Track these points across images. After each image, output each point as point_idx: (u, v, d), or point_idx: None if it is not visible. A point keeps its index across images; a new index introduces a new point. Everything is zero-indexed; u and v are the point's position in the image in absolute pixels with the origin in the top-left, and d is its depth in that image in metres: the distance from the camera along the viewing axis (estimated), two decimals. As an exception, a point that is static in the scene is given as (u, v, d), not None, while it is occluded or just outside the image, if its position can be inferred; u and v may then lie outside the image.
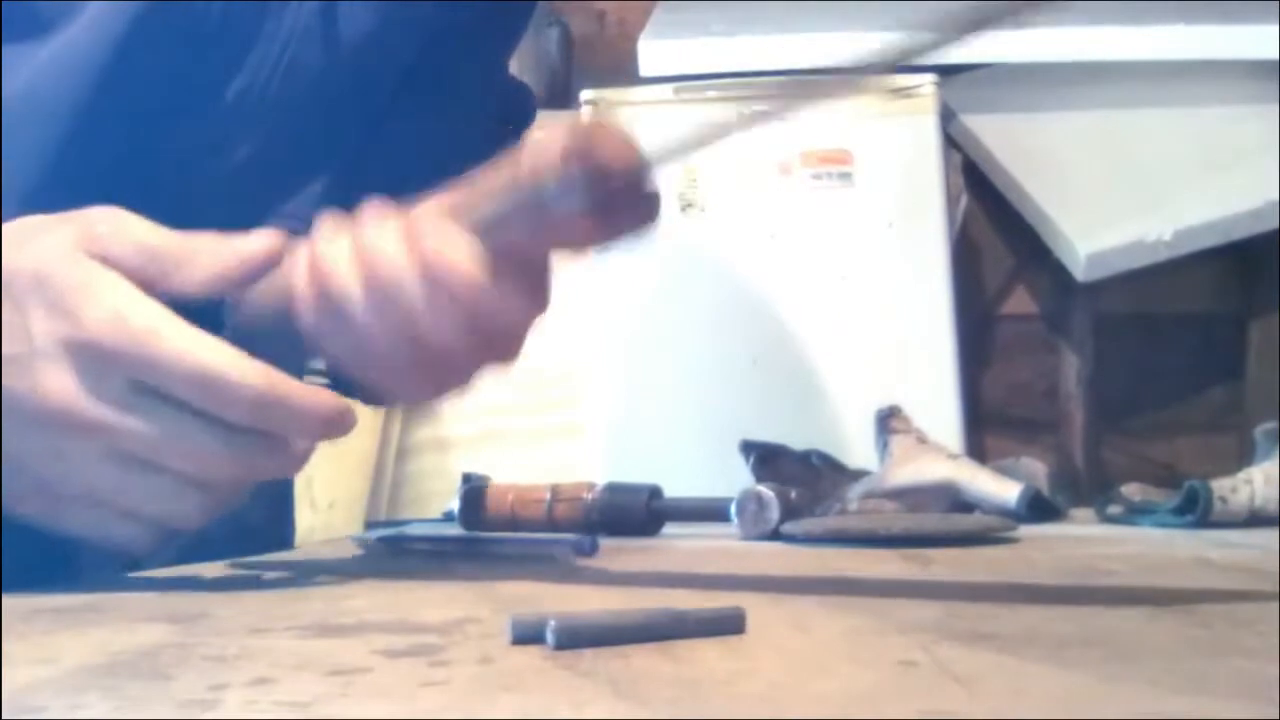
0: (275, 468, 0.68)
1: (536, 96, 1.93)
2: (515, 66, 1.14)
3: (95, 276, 0.64)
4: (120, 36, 0.81)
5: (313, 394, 0.66)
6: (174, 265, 0.67)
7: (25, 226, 0.67)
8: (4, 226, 0.67)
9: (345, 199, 0.97)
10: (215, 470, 0.65)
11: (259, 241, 0.70)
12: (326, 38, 0.90)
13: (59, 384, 0.62)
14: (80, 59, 0.81)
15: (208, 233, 0.69)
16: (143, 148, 0.85)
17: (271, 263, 0.69)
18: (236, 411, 0.64)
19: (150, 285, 0.66)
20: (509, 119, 1.12)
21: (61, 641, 0.50)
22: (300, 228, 0.92)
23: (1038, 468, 1.40)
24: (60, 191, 0.81)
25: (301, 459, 0.69)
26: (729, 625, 0.51)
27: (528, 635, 0.48)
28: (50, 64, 0.80)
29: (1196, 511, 1.15)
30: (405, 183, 1.03)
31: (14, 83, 0.80)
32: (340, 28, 0.90)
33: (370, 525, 1.91)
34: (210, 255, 0.68)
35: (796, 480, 1.16)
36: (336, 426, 0.66)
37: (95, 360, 0.63)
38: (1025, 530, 1.05)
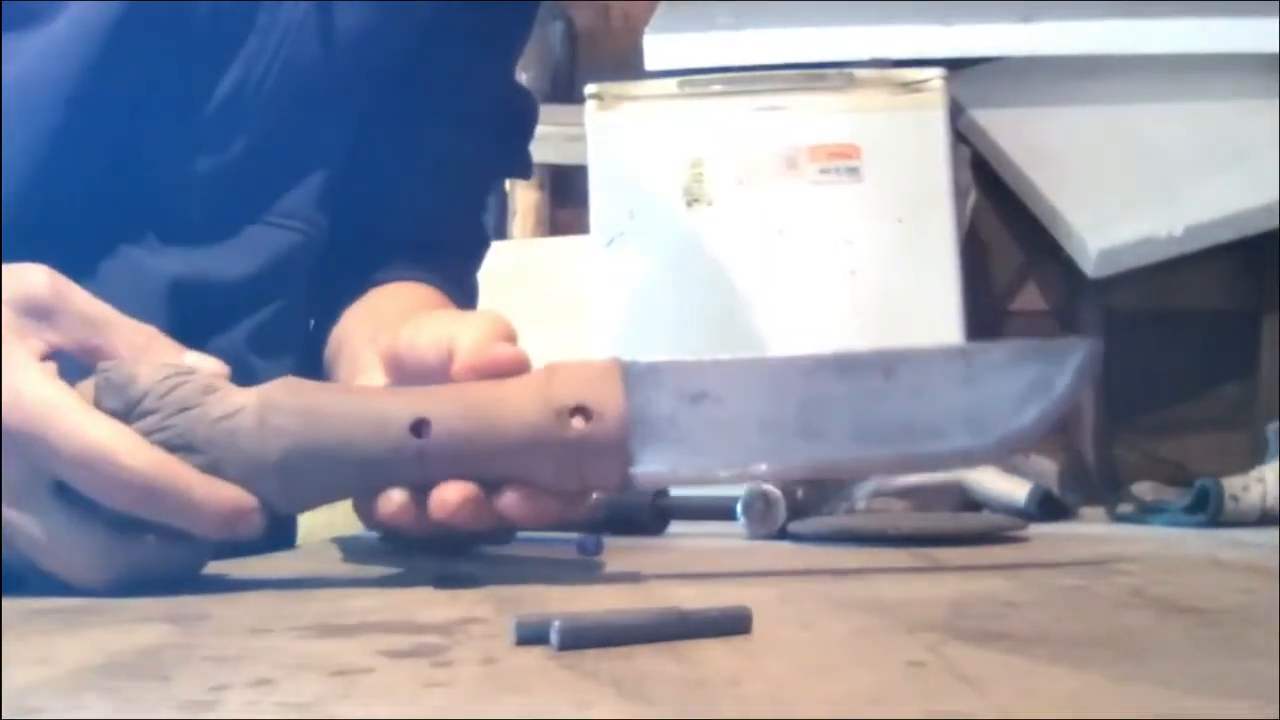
0: (169, 568, 0.66)
1: (540, 92, 1.93)
2: (519, 61, 1.14)
3: (6, 352, 0.63)
4: (108, 29, 0.81)
5: (211, 487, 0.64)
6: (116, 348, 0.66)
7: None
8: None
9: (340, 197, 0.97)
10: (92, 578, 0.63)
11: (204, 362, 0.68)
12: (322, 32, 0.90)
13: None
14: (69, 52, 0.81)
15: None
16: (134, 142, 0.85)
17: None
18: (124, 496, 0.62)
19: (87, 354, 0.65)
20: (510, 123, 1.12)
21: (60, 642, 0.50)
22: (294, 226, 0.93)
23: (1047, 466, 1.40)
24: (51, 188, 0.81)
25: (200, 562, 0.68)
26: (735, 625, 0.51)
27: (532, 635, 0.48)
28: (38, 58, 0.80)
29: (1208, 510, 1.15)
30: (400, 183, 1.04)
31: (4, 76, 0.80)
32: (336, 22, 0.90)
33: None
34: (157, 350, 0.67)
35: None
36: (236, 525, 0.65)
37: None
38: (1035, 529, 1.05)
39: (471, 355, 0.69)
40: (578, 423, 0.66)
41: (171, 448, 0.63)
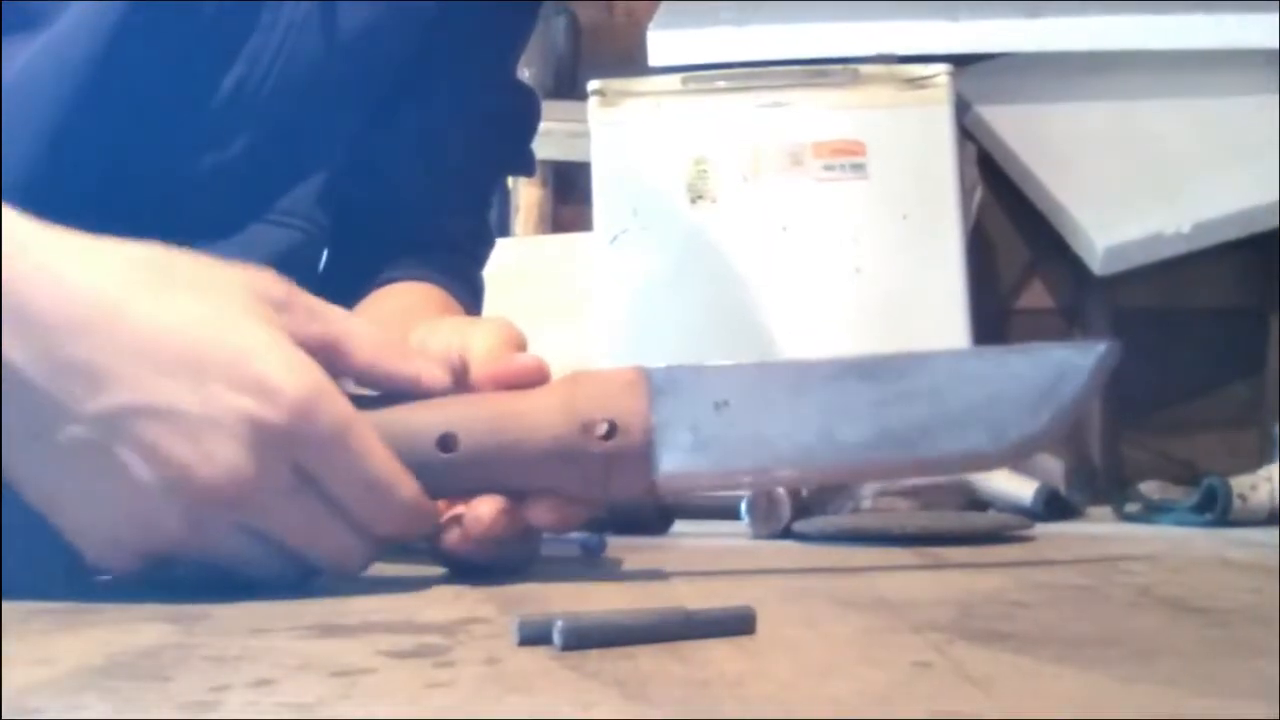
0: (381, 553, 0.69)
1: (543, 88, 1.93)
2: (522, 56, 1.14)
3: (292, 359, 0.63)
4: (112, 27, 0.81)
5: (434, 508, 0.68)
6: (351, 347, 0.68)
7: (185, 273, 0.66)
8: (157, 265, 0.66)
9: (343, 195, 0.97)
10: (346, 566, 0.66)
11: (434, 366, 0.70)
12: (326, 29, 0.90)
13: (230, 457, 0.61)
14: (71, 50, 0.81)
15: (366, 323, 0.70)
16: (136, 140, 0.85)
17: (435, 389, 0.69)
18: (390, 524, 0.65)
19: (320, 348, 0.66)
20: (511, 121, 1.12)
21: (59, 642, 0.50)
22: (295, 224, 0.92)
23: (1054, 465, 1.40)
24: (53, 188, 0.81)
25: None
26: (739, 625, 0.51)
27: (535, 636, 0.48)
28: (41, 56, 0.80)
29: (1216, 509, 1.15)
30: (402, 181, 1.04)
31: (5, 75, 0.79)
32: (340, 20, 0.90)
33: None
34: (393, 357, 0.69)
35: (808, 477, 1.16)
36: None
37: (274, 443, 0.61)
38: (1041, 529, 1.05)
39: (489, 365, 0.71)
40: (603, 437, 0.68)
41: None
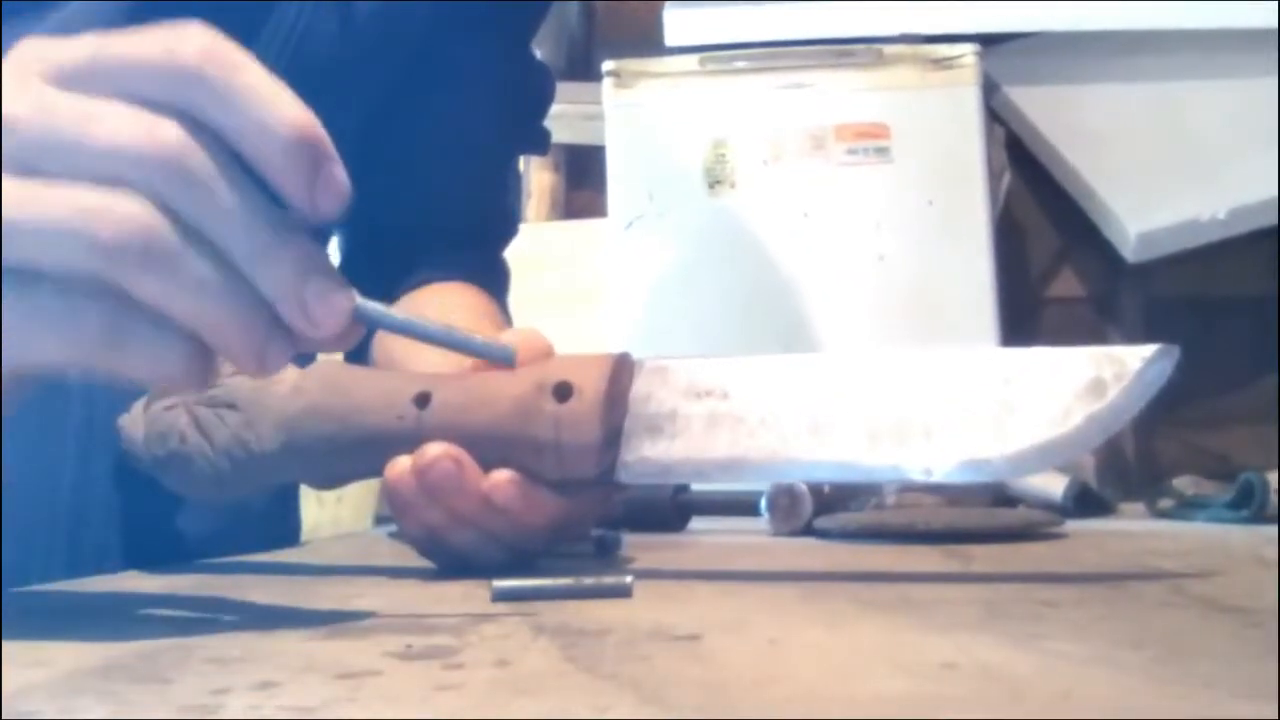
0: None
1: (555, 69, 1.94)
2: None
3: None
4: (125, 8, 0.81)
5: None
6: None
7: None
8: None
9: (355, 177, 0.97)
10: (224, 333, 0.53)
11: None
12: (341, 8, 0.90)
13: None
14: (81, 30, 0.81)
15: None
16: None
17: None
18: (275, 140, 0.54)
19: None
20: (527, 100, 1.12)
21: (57, 643, 0.50)
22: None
23: (1085, 459, 1.39)
24: None
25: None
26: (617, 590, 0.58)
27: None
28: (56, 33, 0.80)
29: (1252, 505, 1.15)
30: (417, 162, 1.04)
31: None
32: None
33: (380, 521, 1.91)
34: None
35: (830, 472, 1.16)
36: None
37: None
38: (1072, 525, 1.05)
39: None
40: (559, 398, 0.70)
41: (215, 404, 0.73)
